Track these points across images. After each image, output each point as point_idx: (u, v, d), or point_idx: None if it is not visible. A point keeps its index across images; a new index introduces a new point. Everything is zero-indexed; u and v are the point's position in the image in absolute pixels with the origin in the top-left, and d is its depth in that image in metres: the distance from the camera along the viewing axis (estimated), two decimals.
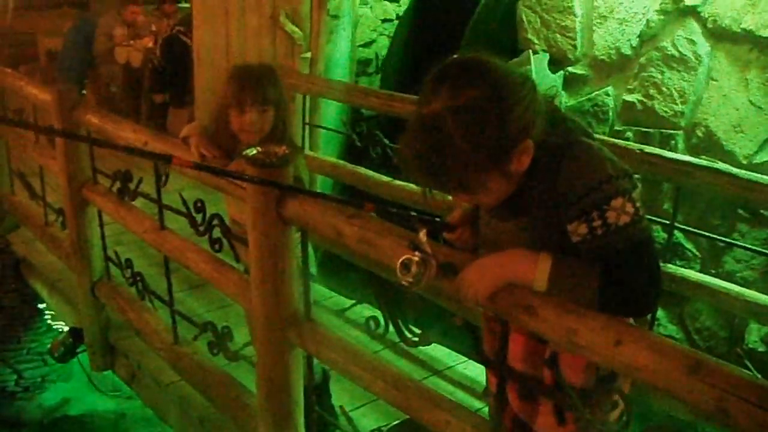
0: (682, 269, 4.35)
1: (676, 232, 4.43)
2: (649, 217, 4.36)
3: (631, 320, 2.10)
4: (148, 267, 4.90)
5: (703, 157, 4.66)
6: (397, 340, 3.36)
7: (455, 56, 2.12)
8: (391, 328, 3.12)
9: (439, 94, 1.97)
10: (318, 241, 3.97)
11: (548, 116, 2.09)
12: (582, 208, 2.00)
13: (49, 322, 7.14)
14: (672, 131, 5.23)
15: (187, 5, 10.88)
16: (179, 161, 2.74)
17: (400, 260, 2.18)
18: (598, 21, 5.60)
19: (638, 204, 2.02)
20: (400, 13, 7.58)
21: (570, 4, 5.70)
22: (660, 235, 4.56)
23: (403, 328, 3.04)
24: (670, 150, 4.98)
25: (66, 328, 6.00)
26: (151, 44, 9.98)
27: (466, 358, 4.71)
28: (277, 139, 3.54)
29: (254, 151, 2.93)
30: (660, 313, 5.04)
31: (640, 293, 2.02)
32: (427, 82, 2.03)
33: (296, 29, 6.89)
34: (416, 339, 3.39)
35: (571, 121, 2.19)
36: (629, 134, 5.41)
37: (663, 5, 5.23)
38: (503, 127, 1.96)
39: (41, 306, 6.89)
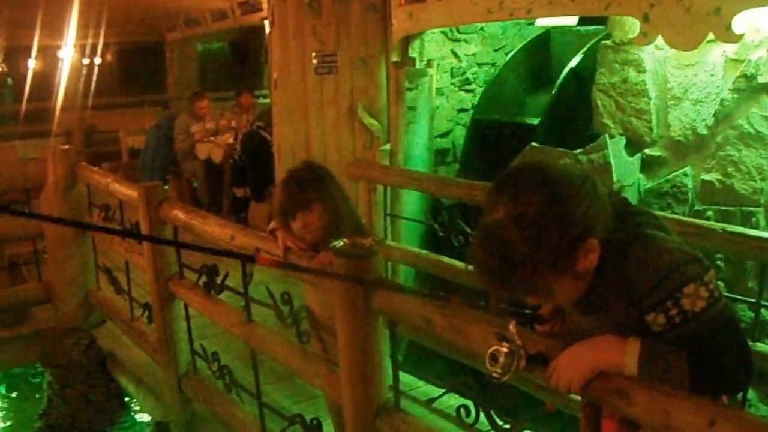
0: None
1: (762, 309, 4.36)
2: (734, 296, 4.36)
3: (725, 399, 2.10)
4: (234, 360, 4.94)
5: None
6: (487, 428, 3.34)
7: (514, 165, 2.16)
8: (482, 416, 3.11)
9: (500, 203, 2.02)
10: (403, 331, 3.98)
11: (615, 211, 2.12)
12: (656, 299, 2.01)
13: (134, 416, 7.19)
14: (752, 208, 5.20)
15: (265, 101, 11.15)
16: (264, 260, 2.81)
17: (489, 352, 2.21)
18: (673, 102, 5.60)
19: (712, 286, 2.01)
20: (475, 103, 7.66)
21: (644, 88, 5.72)
22: (746, 313, 4.50)
23: (495, 417, 3.02)
24: (752, 227, 4.94)
25: (152, 422, 6.05)
26: (231, 140, 10.24)
27: None
28: (353, 230, 3.58)
29: (341, 243, 2.99)
30: (750, 393, 4.94)
31: (731, 372, 2.02)
32: (489, 193, 2.09)
33: (374, 122, 7.02)
34: (508, 427, 3.36)
35: (639, 214, 2.20)
36: (710, 213, 5.38)
37: (736, 84, 5.22)
38: (565, 230, 1.99)
39: (127, 400, 6.95)
